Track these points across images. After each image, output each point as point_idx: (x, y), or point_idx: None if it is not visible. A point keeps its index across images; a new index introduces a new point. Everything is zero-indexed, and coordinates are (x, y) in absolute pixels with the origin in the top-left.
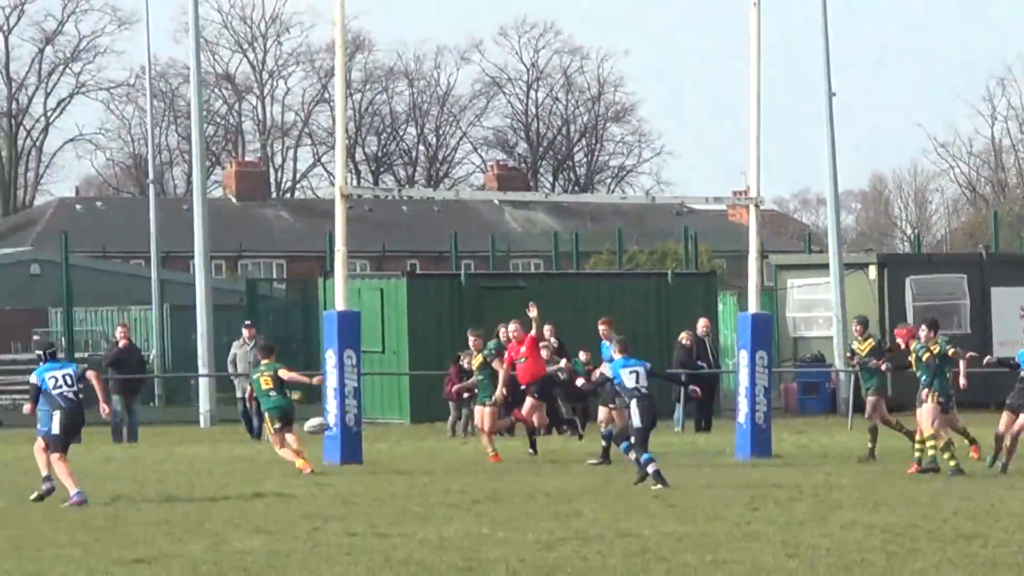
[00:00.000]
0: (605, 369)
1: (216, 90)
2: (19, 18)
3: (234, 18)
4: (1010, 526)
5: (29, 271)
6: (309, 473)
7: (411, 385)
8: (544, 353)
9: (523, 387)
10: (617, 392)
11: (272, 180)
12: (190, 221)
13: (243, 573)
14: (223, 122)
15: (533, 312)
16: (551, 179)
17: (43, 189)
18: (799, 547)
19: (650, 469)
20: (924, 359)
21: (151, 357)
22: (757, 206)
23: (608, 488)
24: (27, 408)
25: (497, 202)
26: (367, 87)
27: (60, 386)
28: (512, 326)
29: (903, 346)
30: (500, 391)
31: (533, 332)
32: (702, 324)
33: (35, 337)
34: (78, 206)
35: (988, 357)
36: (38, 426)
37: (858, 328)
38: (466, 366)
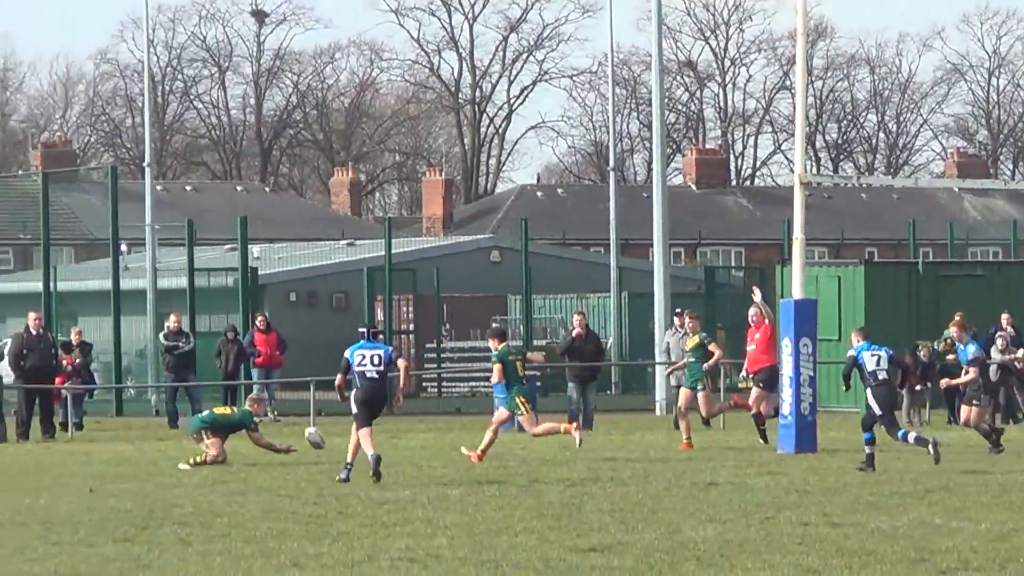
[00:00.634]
0: (851, 352)
1: (678, 77)
2: (484, 6)
3: (697, 5)
4: None
5: (489, 258)
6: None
7: None
8: (1000, 343)
9: (750, 376)
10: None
11: (732, 167)
12: (650, 208)
13: (696, 562)
14: (684, 109)
15: (757, 296)
16: (1011, 167)
17: (504, 176)
18: None
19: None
20: None
21: (608, 345)
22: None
23: None
24: (337, 380)
25: (956, 190)
26: (828, 74)
27: (364, 364)
28: (753, 310)
29: None
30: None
31: (766, 321)
32: None
33: (493, 324)
34: (539, 193)
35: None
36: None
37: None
38: (922, 356)
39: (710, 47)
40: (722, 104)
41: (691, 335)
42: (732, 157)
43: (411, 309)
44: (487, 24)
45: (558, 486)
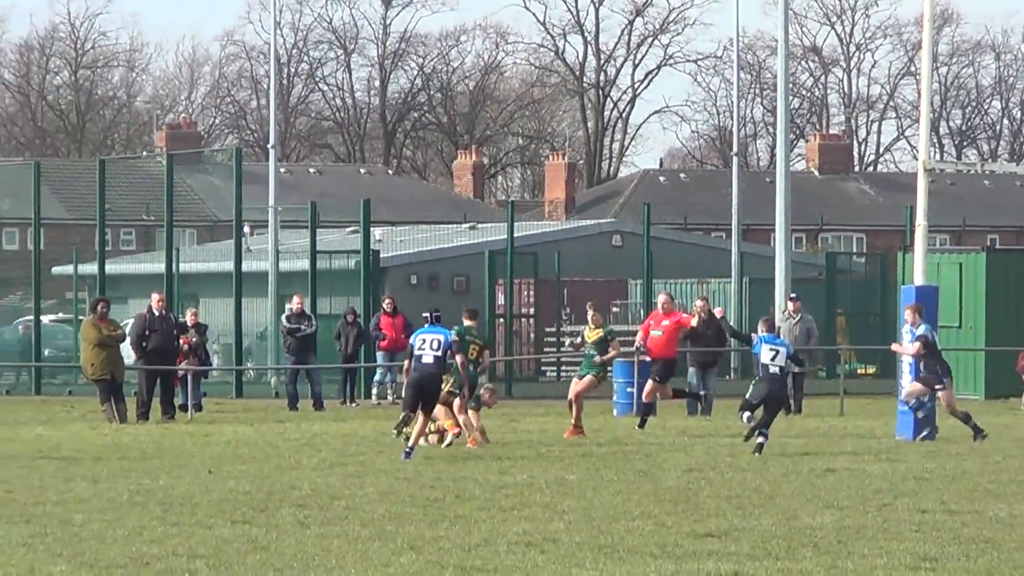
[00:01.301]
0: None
1: (802, 62)
2: None
3: None
4: None
5: (611, 242)
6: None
7: (987, 361)
8: None
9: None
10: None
11: (855, 153)
12: (772, 194)
13: (813, 548)
14: (808, 95)
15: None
16: None
17: (627, 161)
18: None
19: (756, 436)
20: None
21: None
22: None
23: None
24: (405, 365)
25: None
26: (953, 60)
27: (423, 348)
28: (663, 298)
29: None
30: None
31: (683, 315)
32: None
33: (614, 309)
34: (661, 178)
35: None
36: None
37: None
38: None
39: (835, 32)
40: (846, 90)
41: (593, 327)
42: (855, 143)
43: (532, 293)
44: (613, 8)
45: (675, 471)
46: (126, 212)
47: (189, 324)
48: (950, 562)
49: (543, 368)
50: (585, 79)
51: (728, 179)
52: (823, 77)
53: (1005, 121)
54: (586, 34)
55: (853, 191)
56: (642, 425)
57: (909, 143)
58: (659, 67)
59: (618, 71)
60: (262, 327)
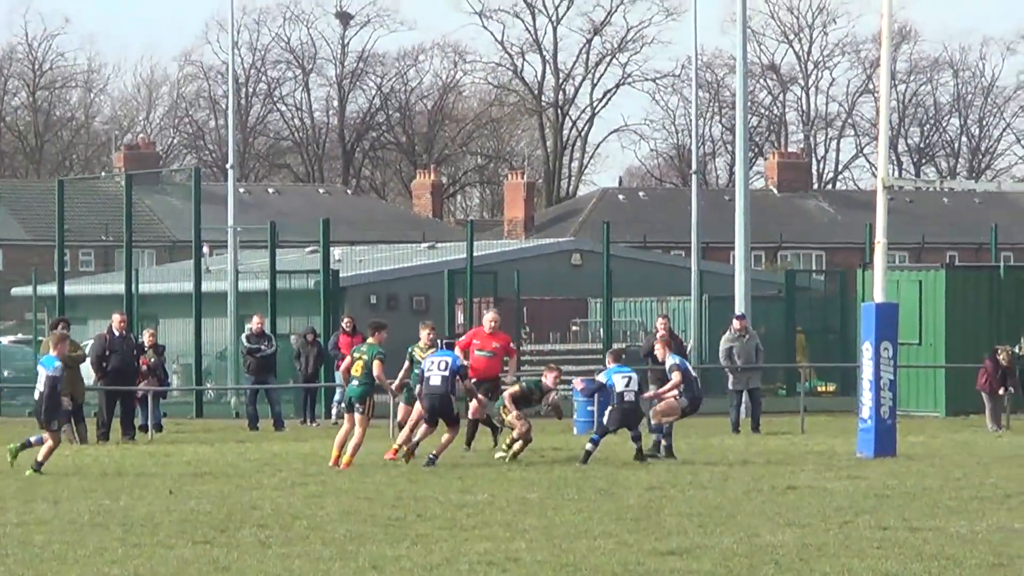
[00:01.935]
0: (600, 376)
1: (761, 80)
2: (568, 8)
3: (781, 8)
4: None
5: (570, 261)
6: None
7: (947, 378)
8: None
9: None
10: None
11: (814, 171)
12: (731, 212)
13: (774, 566)
14: (767, 112)
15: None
16: None
17: (586, 179)
18: None
19: (588, 447)
20: None
21: (689, 348)
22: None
23: None
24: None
25: None
26: (911, 78)
27: (431, 370)
28: (489, 315)
29: None
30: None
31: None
32: None
33: (573, 328)
34: (620, 196)
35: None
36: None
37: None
38: (1003, 361)
39: (793, 50)
40: (804, 107)
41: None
42: (814, 161)
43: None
44: (571, 27)
45: (636, 489)
46: (85, 233)
47: (147, 345)
48: None
49: (502, 387)
50: (544, 98)
51: (687, 197)
52: (781, 95)
53: (963, 138)
54: (544, 53)
55: (812, 209)
56: (469, 445)
57: (868, 160)
58: (617, 86)
59: (576, 90)
60: (222, 347)
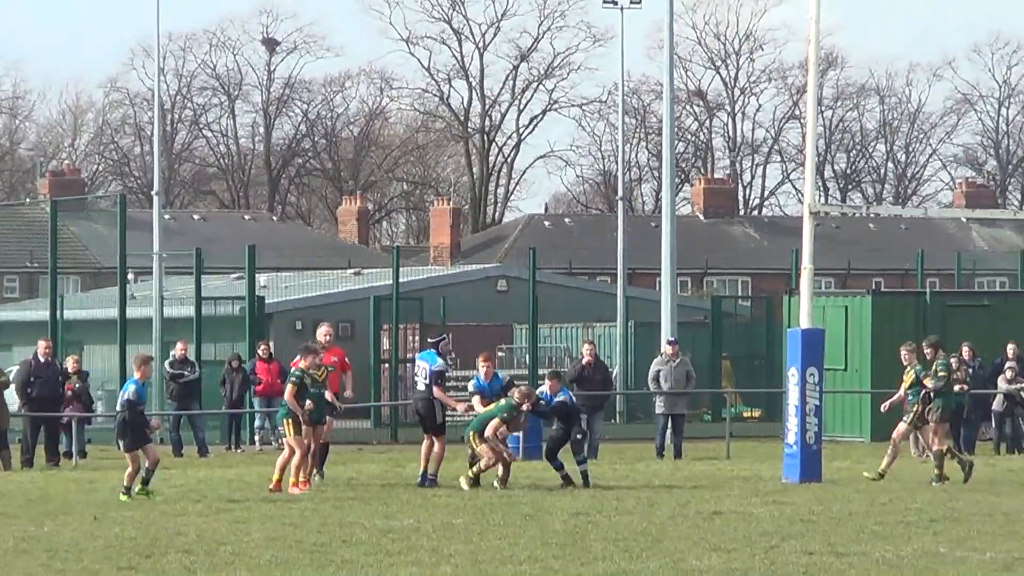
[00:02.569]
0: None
1: (687, 107)
2: (495, 35)
3: (708, 35)
4: None
5: (496, 287)
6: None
7: (873, 403)
8: (1009, 373)
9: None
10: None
11: (740, 197)
12: (657, 238)
13: None
14: (693, 139)
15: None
16: (1020, 197)
17: (512, 206)
18: None
19: (580, 469)
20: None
21: (614, 374)
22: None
23: None
24: None
25: (964, 220)
26: (838, 104)
27: (418, 375)
28: (323, 328)
29: None
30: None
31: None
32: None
33: (499, 354)
34: (546, 223)
35: None
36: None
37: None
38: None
39: (720, 76)
40: (731, 133)
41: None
42: (740, 187)
43: (417, 338)
44: (497, 53)
45: (562, 515)
46: (10, 259)
47: (71, 371)
48: None
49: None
50: (470, 124)
51: (613, 223)
52: (708, 121)
53: (890, 164)
54: (471, 79)
55: (738, 235)
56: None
57: (794, 186)
58: (544, 112)
59: (503, 116)
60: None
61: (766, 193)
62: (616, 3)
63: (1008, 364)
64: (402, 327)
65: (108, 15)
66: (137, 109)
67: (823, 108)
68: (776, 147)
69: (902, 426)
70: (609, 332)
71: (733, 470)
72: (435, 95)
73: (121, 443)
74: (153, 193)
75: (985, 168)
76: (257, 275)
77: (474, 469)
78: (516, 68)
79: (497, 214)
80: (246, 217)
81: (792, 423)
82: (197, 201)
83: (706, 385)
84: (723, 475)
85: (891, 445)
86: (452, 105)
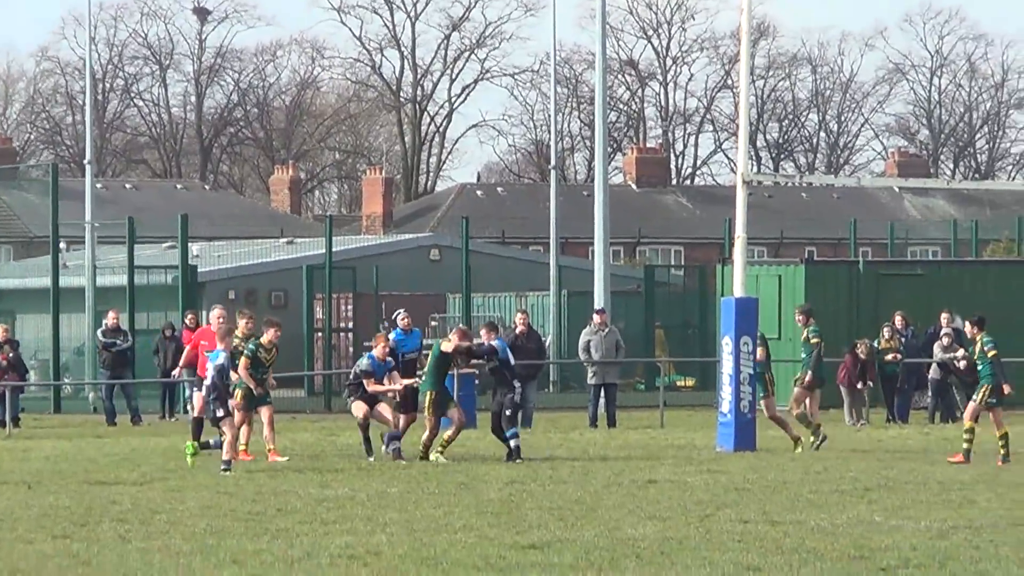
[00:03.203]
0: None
1: (619, 76)
2: (426, 4)
3: (640, 4)
4: None
5: (429, 256)
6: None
7: None
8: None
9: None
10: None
11: (672, 166)
12: (590, 207)
13: (636, 559)
14: (625, 108)
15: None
16: (951, 166)
17: (445, 175)
18: None
19: (512, 444)
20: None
21: (547, 343)
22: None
23: (1001, 477)
24: None
25: (897, 189)
26: (770, 73)
27: None
28: (215, 311)
29: None
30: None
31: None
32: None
33: (432, 323)
34: (479, 192)
35: None
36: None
37: None
38: (861, 354)
39: (652, 46)
40: (663, 103)
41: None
42: (672, 156)
43: (350, 307)
44: (429, 22)
45: (497, 484)
46: None
47: (0, 340)
48: (773, 572)
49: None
50: (402, 94)
51: (546, 193)
52: (640, 90)
53: (822, 134)
54: (403, 49)
55: (671, 204)
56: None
57: (727, 156)
58: (476, 81)
59: (435, 85)
60: (79, 342)
61: (698, 163)
62: None
63: (944, 331)
64: (335, 296)
65: None
66: (69, 78)
67: (755, 78)
68: (708, 117)
69: (797, 391)
70: (542, 301)
71: (667, 439)
72: (367, 65)
73: (218, 411)
74: (85, 162)
75: (917, 138)
76: (190, 244)
77: (446, 436)
78: (448, 38)
79: (429, 184)
80: (178, 186)
81: (726, 392)
82: (129, 170)
83: (640, 354)
84: (657, 444)
85: (792, 410)
86: (384, 75)
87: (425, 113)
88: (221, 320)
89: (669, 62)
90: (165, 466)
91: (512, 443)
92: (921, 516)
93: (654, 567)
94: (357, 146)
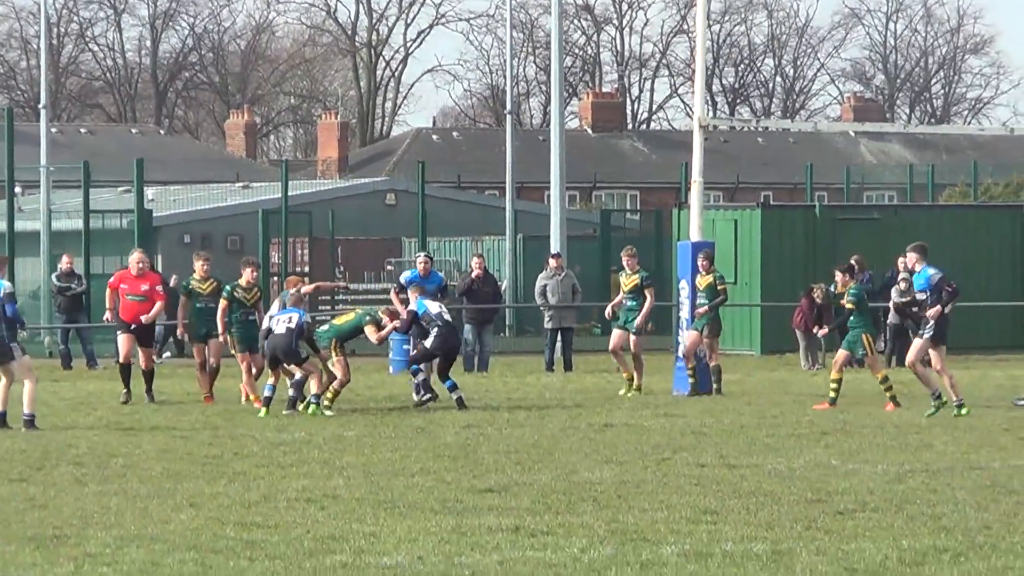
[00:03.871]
0: (413, 305)
1: (575, 21)
2: None
3: None
4: None
5: (384, 201)
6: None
7: (763, 316)
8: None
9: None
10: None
11: (628, 111)
12: (546, 152)
13: (593, 503)
14: (581, 53)
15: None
16: (907, 111)
17: (400, 120)
18: None
19: (454, 396)
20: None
21: (504, 287)
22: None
23: (958, 421)
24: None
25: (853, 133)
26: (726, 18)
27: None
28: (135, 255)
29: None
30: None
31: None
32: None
33: (388, 267)
34: (435, 136)
35: None
36: None
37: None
38: (817, 299)
39: None
40: (619, 48)
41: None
42: (628, 101)
43: (306, 252)
44: None
45: (453, 427)
46: None
47: None
48: (731, 515)
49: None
50: (357, 38)
51: (502, 137)
52: (596, 35)
53: (778, 79)
54: None
55: (627, 149)
56: None
57: (683, 101)
58: (431, 26)
59: (390, 30)
60: (35, 287)
61: (654, 107)
62: None
63: (902, 276)
64: (291, 240)
65: None
66: (23, 23)
67: (711, 22)
68: (664, 61)
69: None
70: (498, 246)
71: (623, 383)
72: (322, 9)
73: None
74: (40, 106)
75: (873, 82)
76: (145, 189)
77: (332, 388)
78: None
79: (385, 128)
80: (133, 131)
81: (683, 336)
82: (84, 115)
83: (596, 299)
84: (613, 388)
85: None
86: (339, 19)
87: (380, 58)
88: (140, 264)
89: (625, 7)
90: (121, 410)
91: (454, 395)
92: (878, 460)
93: (611, 510)
94: (312, 91)
